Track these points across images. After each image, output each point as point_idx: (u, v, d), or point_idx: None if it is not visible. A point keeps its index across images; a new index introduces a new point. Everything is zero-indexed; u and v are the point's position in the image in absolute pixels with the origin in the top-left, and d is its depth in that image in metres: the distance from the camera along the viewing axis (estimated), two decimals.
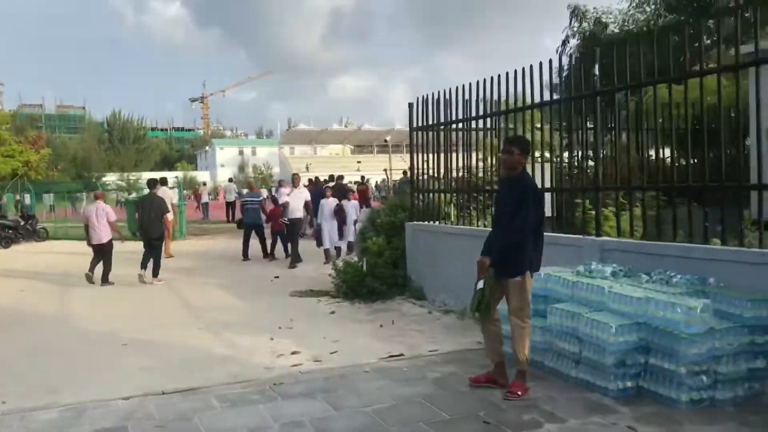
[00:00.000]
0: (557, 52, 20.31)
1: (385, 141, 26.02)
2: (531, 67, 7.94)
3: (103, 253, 12.42)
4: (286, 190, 14.94)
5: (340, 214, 15.01)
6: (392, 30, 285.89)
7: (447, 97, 9.37)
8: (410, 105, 10.08)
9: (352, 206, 15.86)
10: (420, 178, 10.08)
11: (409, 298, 9.77)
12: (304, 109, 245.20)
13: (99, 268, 12.46)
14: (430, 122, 9.75)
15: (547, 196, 7.97)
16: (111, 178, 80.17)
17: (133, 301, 10.85)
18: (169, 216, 13.77)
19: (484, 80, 8.65)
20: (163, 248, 13.42)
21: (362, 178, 26.69)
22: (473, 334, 7.58)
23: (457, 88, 9.17)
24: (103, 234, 12.40)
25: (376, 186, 29.47)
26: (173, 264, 14.61)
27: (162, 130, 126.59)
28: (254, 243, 15.39)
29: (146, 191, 14.73)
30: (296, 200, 14.49)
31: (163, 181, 16.41)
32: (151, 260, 12.47)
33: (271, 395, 5.54)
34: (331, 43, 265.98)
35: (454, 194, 9.74)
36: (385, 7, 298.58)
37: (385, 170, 20.70)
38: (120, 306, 10.43)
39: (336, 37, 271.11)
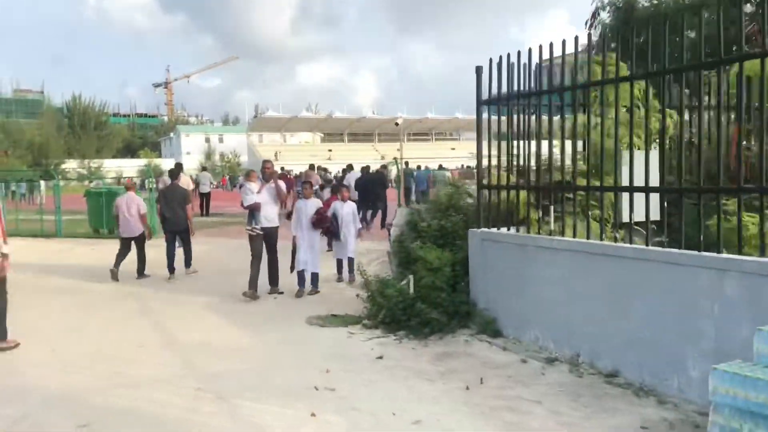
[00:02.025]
0: (587, 25, 17.87)
1: (396, 124, 22.27)
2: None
3: (136, 246, 11.86)
4: (254, 185, 9.89)
5: (322, 222, 10.16)
6: (363, 17, 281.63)
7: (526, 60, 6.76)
8: (478, 70, 7.42)
9: (348, 211, 10.72)
10: (489, 169, 7.46)
11: (478, 333, 7.15)
12: (271, 97, 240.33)
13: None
14: (514, 89, 7.02)
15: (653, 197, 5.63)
16: (71, 165, 76.15)
17: (97, 329, 8.05)
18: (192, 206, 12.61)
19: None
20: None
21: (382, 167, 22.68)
22: (623, 408, 5.03)
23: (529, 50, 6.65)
24: (134, 226, 11.84)
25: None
26: (155, 274, 11.76)
27: (124, 116, 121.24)
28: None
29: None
30: (270, 201, 9.96)
31: (180, 168, 14.07)
32: (183, 253, 11.91)
33: None
34: (299, 29, 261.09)
35: (550, 192, 7.06)
36: None
37: (396, 159, 17.76)
38: (82, 336, 7.63)
39: (304, 23, 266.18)
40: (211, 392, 5.63)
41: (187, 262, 11.91)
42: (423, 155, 61.75)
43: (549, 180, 6.92)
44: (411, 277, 7.71)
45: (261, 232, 9.81)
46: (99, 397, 5.58)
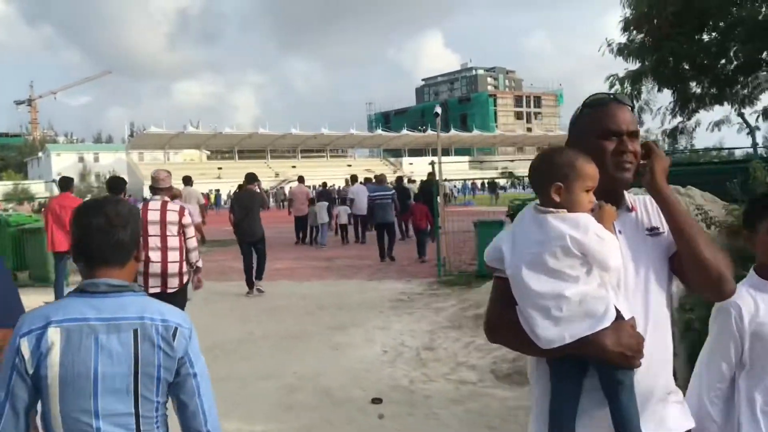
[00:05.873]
0: None
1: (436, 114, 15.21)
2: None
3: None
4: None
5: None
6: (242, 33, 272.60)
7: None
8: None
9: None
10: None
11: None
12: (147, 115, 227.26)
13: None
14: None
15: None
16: None
17: None
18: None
19: None
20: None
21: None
22: None
23: None
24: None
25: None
26: None
27: None
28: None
29: None
30: None
31: (253, 176, 11.58)
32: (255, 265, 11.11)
33: None
34: (176, 44, 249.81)
35: None
36: (237, 7, 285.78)
37: (432, 164, 12.97)
38: None
39: (182, 38, 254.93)
40: None
41: (259, 275, 11.09)
42: (319, 174, 56.87)
43: None
44: None
45: None
46: None
